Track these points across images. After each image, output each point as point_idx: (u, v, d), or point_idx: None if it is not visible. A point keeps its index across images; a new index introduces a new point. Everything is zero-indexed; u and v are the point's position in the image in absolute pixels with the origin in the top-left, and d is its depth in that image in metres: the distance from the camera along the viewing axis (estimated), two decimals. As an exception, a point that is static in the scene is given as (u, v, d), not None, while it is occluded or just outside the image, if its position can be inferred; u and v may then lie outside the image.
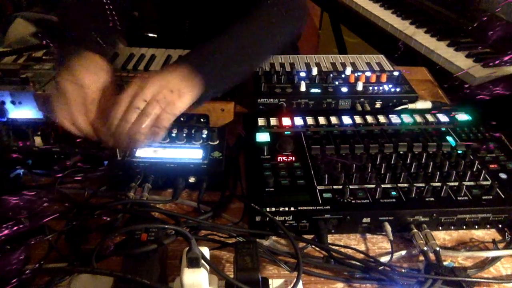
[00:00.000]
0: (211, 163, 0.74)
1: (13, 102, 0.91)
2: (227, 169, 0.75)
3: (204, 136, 0.79)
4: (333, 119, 0.87)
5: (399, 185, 0.70)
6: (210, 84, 0.69)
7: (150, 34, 1.38)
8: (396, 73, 1.04)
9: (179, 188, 0.73)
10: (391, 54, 1.18)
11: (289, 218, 0.66)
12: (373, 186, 0.69)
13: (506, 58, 1.31)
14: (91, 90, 0.67)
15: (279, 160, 0.75)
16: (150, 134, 0.65)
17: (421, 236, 0.65)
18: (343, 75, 1.03)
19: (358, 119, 0.87)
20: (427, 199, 0.68)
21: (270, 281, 0.55)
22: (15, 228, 0.61)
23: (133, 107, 0.63)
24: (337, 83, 1.00)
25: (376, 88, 0.99)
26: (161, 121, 0.64)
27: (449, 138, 0.81)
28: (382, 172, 0.72)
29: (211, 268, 0.50)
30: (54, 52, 1.05)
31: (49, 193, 0.72)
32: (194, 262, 0.48)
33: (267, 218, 0.64)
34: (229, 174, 0.78)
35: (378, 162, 0.75)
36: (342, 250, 0.64)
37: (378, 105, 0.98)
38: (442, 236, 0.69)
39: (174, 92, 0.65)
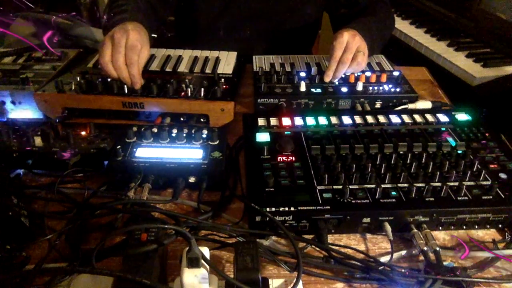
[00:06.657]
0: (211, 163, 0.74)
1: (13, 102, 0.91)
2: (227, 169, 0.75)
3: (204, 136, 0.79)
4: (333, 119, 0.87)
5: (399, 185, 0.70)
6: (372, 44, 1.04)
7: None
8: (396, 73, 1.04)
9: (179, 188, 0.73)
10: (391, 54, 1.18)
11: (289, 218, 0.66)
12: (373, 186, 0.69)
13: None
14: (134, 39, 0.85)
15: (279, 160, 0.75)
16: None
17: (421, 236, 0.65)
18: (343, 75, 1.03)
19: (358, 119, 0.87)
20: (427, 199, 0.68)
21: (270, 281, 0.55)
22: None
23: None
24: (337, 83, 1.00)
25: (376, 88, 0.99)
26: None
27: (449, 138, 0.81)
28: (382, 172, 0.72)
29: (211, 268, 0.50)
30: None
31: (49, 193, 0.72)
32: (194, 262, 0.48)
33: (267, 218, 0.64)
34: (229, 174, 0.78)
35: (378, 162, 0.75)
36: (342, 250, 0.64)
37: (378, 105, 0.98)
38: (442, 236, 0.69)
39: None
